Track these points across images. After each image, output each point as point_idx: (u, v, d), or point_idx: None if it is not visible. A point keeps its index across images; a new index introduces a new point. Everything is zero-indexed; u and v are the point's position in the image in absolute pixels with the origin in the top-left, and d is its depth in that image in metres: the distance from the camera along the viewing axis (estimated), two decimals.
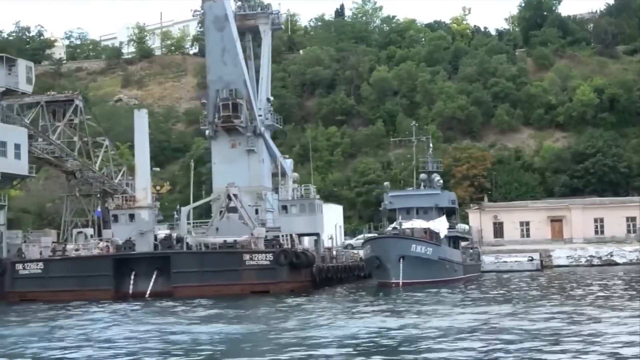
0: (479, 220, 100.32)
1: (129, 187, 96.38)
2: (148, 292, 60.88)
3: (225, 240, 61.52)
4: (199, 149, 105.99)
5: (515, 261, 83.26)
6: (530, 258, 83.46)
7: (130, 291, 61.60)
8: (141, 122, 63.49)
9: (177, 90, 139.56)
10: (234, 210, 64.54)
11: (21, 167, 78.53)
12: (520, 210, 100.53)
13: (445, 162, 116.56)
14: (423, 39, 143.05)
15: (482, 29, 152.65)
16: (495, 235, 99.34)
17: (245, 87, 77.89)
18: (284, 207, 72.93)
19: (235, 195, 64.00)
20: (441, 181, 74.34)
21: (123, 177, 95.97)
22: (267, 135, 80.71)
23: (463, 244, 79.34)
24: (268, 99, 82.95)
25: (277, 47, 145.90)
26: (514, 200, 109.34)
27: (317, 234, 73.33)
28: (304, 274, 63.59)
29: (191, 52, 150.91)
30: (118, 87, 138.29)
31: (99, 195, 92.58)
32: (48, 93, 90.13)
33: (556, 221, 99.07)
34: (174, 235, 64.25)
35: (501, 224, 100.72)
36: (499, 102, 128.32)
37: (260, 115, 79.67)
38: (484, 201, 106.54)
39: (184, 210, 65.43)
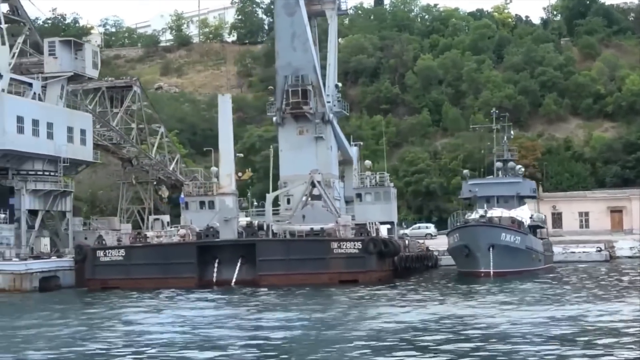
0: (537, 211, 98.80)
1: (183, 174, 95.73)
2: (233, 280, 59.94)
3: (312, 228, 60.32)
4: (252, 136, 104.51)
5: (584, 252, 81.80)
6: (598, 249, 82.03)
7: (214, 279, 60.66)
8: (225, 107, 62.43)
9: (218, 78, 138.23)
10: (317, 197, 63.33)
11: (87, 153, 77.60)
12: (579, 201, 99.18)
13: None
14: (466, 28, 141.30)
15: (524, 18, 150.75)
16: (554, 226, 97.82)
17: (314, 73, 76.52)
18: (358, 195, 71.71)
19: (319, 182, 62.72)
20: (522, 169, 72.89)
21: (177, 165, 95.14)
22: (335, 122, 79.32)
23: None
24: (336, 85, 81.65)
25: (318, 35, 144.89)
26: (565, 190, 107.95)
27: (392, 223, 72.08)
28: (388, 263, 62.43)
29: (229, 40, 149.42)
30: (157, 74, 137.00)
31: (155, 183, 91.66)
32: (106, 79, 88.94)
33: (616, 212, 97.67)
34: (255, 222, 63.12)
35: (560, 214, 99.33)
36: (546, 91, 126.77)
37: (328, 102, 78.31)
38: (539, 191, 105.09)
39: (269, 197, 64.37)
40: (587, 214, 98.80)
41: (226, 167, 61.44)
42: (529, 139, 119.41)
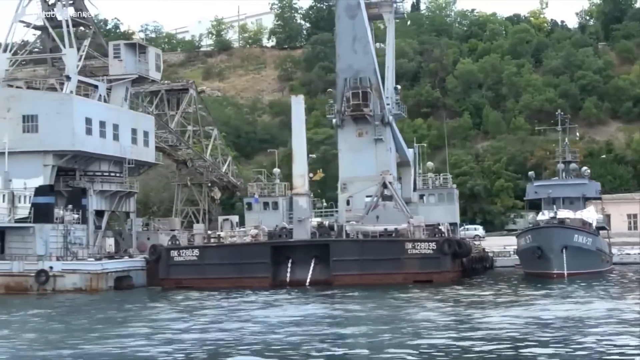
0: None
1: (235, 176, 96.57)
2: (308, 280, 60.46)
3: (385, 229, 60.84)
4: None
5: (638, 253, 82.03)
6: None
7: (288, 279, 61.23)
8: (298, 109, 63.13)
9: (259, 82, 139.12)
10: (389, 198, 63.85)
11: (150, 154, 78.61)
12: (627, 203, 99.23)
13: (537, 154, 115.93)
14: (504, 32, 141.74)
15: (559, 23, 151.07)
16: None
17: (375, 76, 77.09)
18: (421, 196, 72.15)
19: (390, 183, 63.28)
20: (588, 171, 73.22)
21: (228, 167, 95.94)
22: (394, 124, 79.87)
23: None
24: (395, 88, 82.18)
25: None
26: (608, 193, 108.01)
27: (455, 224, 72.53)
28: (458, 263, 62.91)
29: (269, 44, 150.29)
30: (199, 79, 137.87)
31: (209, 185, 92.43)
32: (162, 82, 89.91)
33: None
34: (326, 223, 63.70)
35: (608, 216, 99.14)
36: (586, 95, 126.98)
37: (388, 104, 78.85)
38: None
39: (342, 198, 64.96)
40: (635, 216, 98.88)
41: (299, 168, 62.10)
42: (571, 142, 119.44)
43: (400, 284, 58.05)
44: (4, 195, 62.76)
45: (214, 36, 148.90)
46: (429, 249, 59.38)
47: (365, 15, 76.99)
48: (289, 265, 61.35)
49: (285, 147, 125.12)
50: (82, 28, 77.37)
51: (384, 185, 64.20)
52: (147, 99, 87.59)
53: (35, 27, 76.01)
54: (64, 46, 72.30)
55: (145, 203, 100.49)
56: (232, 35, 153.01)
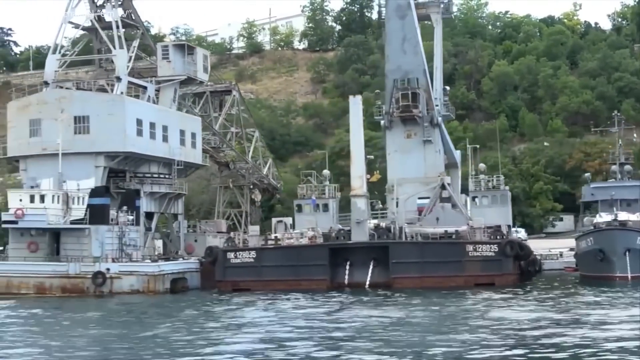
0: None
1: (275, 179, 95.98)
2: (367, 282, 59.77)
3: (446, 231, 60.06)
4: (342, 140, 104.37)
5: None
6: None
7: (346, 281, 60.56)
8: (356, 109, 62.36)
9: (291, 84, 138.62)
10: (447, 199, 63.07)
11: (197, 156, 78.16)
12: None
13: (575, 156, 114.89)
14: (538, 34, 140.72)
15: (593, 25, 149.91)
16: None
17: (424, 76, 76.44)
18: (474, 198, 71.30)
19: (448, 184, 62.51)
20: None
21: (269, 169, 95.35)
22: (443, 126, 79.11)
23: None
24: (444, 89, 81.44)
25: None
26: None
27: (508, 226, 71.57)
28: (517, 266, 62.04)
29: (300, 47, 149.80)
30: (232, 81, 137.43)
31: (251, 187, 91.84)
32: (206, 83, 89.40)
33: None
34: (383, 224, 63.00)
35: None
36: (624, 97, 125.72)
37: (437, 105, 78.12)
38: None
39: (402, 199, 64.10)
40: None
41: (358, 169, 61.43)
42: (610, 143, 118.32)
43: (461, 287, 57.29)
44: (58, 197, 62.27)
45: (245, 39, 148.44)
46: (490, 251, 58.58)
47: (415, 16, 76.39)
48: (347, 267, 60.67)
49: (320, 149, 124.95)
50: (130, 29, 76.95)
51: (443, 187, 63.42)
52: (191, 100, 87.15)
53: (84, 29, 75.67)
54: (114, 47, 71.90)
55: (185, 205, 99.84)
56: (262, 38, 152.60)
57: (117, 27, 71.98)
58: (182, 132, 75.38)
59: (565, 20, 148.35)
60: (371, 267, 60.15)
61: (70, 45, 76.25)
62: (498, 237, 60.25)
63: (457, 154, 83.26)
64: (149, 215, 71.97)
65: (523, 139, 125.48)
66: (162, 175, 73.12)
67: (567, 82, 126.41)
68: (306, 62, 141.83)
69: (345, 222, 72.53)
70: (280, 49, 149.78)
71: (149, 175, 72.01)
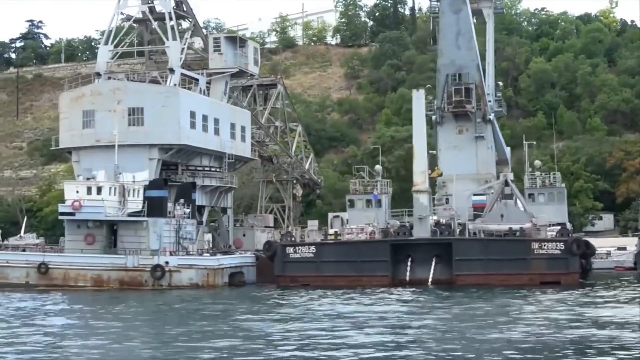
0: None
1: (316, 174, 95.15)
2: (429, 279, 58.87)
3: (510, 228, 59.06)
4: (383, 136, 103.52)
5: None
6: None
7: (407, 278, 59.67)
8: (419, 104, 61.44)
9: (325, 80, 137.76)
10: (509, 196, 62.11)
11: (246, 149, 77.35)
12: None
13: (615, 155, 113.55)
14: (575, 31, 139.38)
15: (629, 22, 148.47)
16: None
17: (478, 72, 75.69)
18: (530, 195, 70.27)
19: (512, 181, 61.52)
20: None
21: (310, 164, 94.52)
22: (495, 122, 78.14)
23: None
24: (497, 84, 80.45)
25: (422, 37, 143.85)
26: None
27: (564, 224, 70.53)
28: (581, 264, 60.95)
29: (333, 42, 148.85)
30: (277, 75, 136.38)
31: (295, 182, 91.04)
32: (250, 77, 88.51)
33: None
34: (442, 220, 62.06)
35: None
36: None
37: (489, 101, 77.17)
38: None
39: (466, 194, 63.13)
40: None
41: (420, 164, 60.46)
42: None
43: (526, 285, 56.30)
44: (115, 189, 61.55)
45: (278, 33, 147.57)
46: (557, 249, 57.55)
47: (469, 11, 75.50)
48: (409, 263, 59.77)
49: (356, 145, 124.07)
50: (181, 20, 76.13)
51: (506, 184, 62.41)
52: (235, 94, 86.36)
53: (135, 21, 74.87)
54: (167, 39, 71.13)
55: None
56: (295, 33, 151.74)
57: (171, 18, 71.19)
58: (232, 126, 74.61)
59: (602, 18, 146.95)
60: (433, 263, 59.22)
61: (121, 36, 75.41)
62: (563, 235, 59.20)
63: (508, 150, 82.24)
64: (200, 209, 71.20)
65: (561, 137, 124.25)
66: (212, 169, 72.39)
67: (605, 80, 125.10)
68: (339, 58, 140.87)
69: (396, 218, 71.78)
70: (313, 44, 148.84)
71: (200, 168, 71.28)
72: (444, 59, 75.77)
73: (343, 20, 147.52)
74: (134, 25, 75.35)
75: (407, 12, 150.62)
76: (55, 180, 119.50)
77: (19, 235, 78.92)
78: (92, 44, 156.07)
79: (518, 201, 63.43)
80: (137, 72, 74.37)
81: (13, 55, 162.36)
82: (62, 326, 37.57)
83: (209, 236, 72.99)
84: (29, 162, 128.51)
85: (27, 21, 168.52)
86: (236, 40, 75.25)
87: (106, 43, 72.64)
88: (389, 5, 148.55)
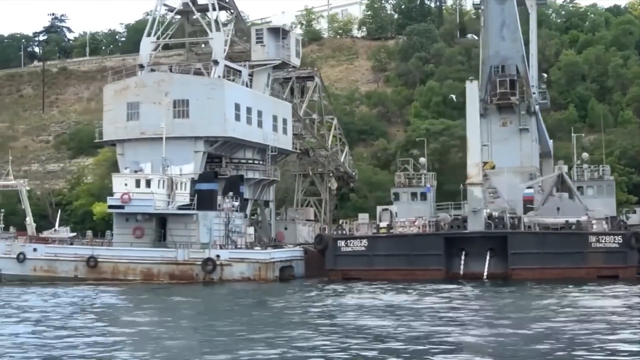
0: None
1: (350, 167, 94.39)
2: (485, 273, 58.10)
3: (567, 221, 58.20)
4: (418, 129, 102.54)
5: None
6: None
7: (462, 272, 58.93)
8: (472, 94, 60.56)
9: (353, 73, 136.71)
10: (566, 189, 61.26)
11: (288, 142, 76.68)
12: None
13: None
14: (604, 23, 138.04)
15: None
16: None
17: (523, 64, 74.73)
18: (579, 188, 69.35)
19: (567, 174, 60.65)
20: None
21: (345, 157, 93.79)
22: (540, 114, 77.21)
23: None
24: (541, 76, 79.49)
25: (449, 30, 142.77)
26: None
27: (614, 217, 69.60)
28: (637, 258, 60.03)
29: (358, 35, 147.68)
30: (314, 67, 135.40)
31: (331, 175, 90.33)
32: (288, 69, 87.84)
33: None
34: (495, 214, 61.25)
35: None
36: None
37: (534, 93, 76.23)
38: None
39: (521, 187, 62.31)
40: None
41: (474, 157, 59.63)
42: None
43: (582, 279, 55.48)
44: (163, 182, 60.91)
45: (304, 26, 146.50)
46: (614, 242, 56.69)
47: (515, 1, 74.46)
48: (463, 257, 59.00)
49: (385, 138, 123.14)
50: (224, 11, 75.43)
51: (560, 177, 61.55)
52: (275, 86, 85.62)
53: (178, 12, 74.09)
54: (210, 30, 70.41)
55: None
56: (320, 26, 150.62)
57: (214, 9, 70.47)
58: (274, 118, 73.93)
59: (631, 10, 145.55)
60: (488, 257, 58.43)
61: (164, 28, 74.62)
62: (621, 228, 58.36)
63: (551, 143, 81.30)
64: (244, 202, 70.52)
65: (592, 130, 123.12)
66: (256, 162, 71.71)
67: (638, 72, 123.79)
68: (366, 51, 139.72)
69: (441, 211, 71.07)
70: (339, 37, 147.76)
71: (244, 161, 70.61)
72: (488, 50, 74.85)
73: (369, 12, 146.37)
74: (176, 17, 74.53)
75: (434, 4, 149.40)
76: (84, 174, 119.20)
77: (53, 229, 78.54)
78: (117, 37, 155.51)
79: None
80: (181, 63, 73.42)
81: (37, 49, 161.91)
82: (154, 322, 36.84)
83: (251, 229, 72.26)
84: (55, 155, 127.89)
85: (50, 15, 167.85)
86: (279, 32, 74.46)
87: (149, 35, 71.87)
88: None
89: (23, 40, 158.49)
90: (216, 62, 68.85)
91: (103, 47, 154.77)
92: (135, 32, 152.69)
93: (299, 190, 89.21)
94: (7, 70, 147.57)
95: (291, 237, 74.27)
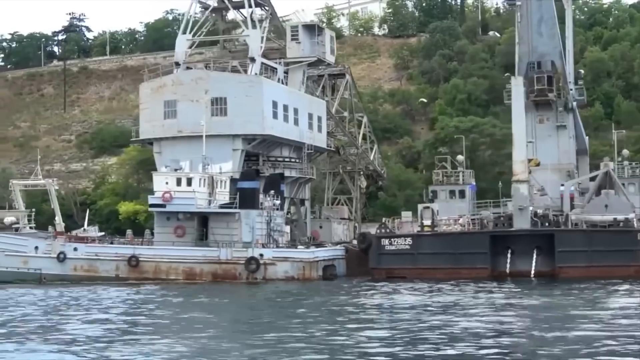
0: None
1: (379, 165, 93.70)
2: (532, 272, 57.36)
3: (615, 218, 57.43)
4: (447, 128, 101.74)
5: None
6: None
7: (508, 270, 58.22)
8: (517, 90, 59.86)
9: (375, 70, 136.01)
10: (611, 186, 60.52)
11: (323, 140, 76.08)
12: None
13: None
14: (628, 19, 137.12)
15: None
16: None
17: (560, 59, 73.94)
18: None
19: (613, 171, 59.93)
20: None
21: (375, 156, 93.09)
22: (577, 111, 76.42)
23: None
24: (578, 72, 78.69)
25: (472, 27, 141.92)
26: None
27: None
28: None
29: (379, 33, 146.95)
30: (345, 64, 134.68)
31: (361, 173, 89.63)
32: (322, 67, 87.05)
33: None
34: (539, 211, 60.51)
35: None
36: None
37: (571, 90, 75.43)
38: None
39: (567, 185, 61.62)
40: None
41: (520, 154, 58.95)
42: None
43: (631, 277, 54.73)
44: (204, 180, 60.33)
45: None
46: None
47: None
48: (509, 255, 58.30)
49: (409, 136, 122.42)
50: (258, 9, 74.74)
51: (607, 174, 60.84)
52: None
53: (213, 10, 73.49)
54: (246, 27, 69.83)
55: None
56: (340, 24, 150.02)
57: (250, 6, 69.88)
58: (310, 116, 73.32)
59: None
60: (534, 255, 57.73)
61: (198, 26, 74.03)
62: None
63: (587, 139, 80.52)
64: None
65: (619, 127, 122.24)
66: (292, 160, 71.10)
67: None
68: (387, 49, 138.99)
69: (480, 209, 70.28)
70: (360, 35, 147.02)
71: (280, 159, 70.00)
72: (525, 46, 74.00)
73: (390, 10, 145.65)
74: (210, 14, 73.89)
75: (456, 1, 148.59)
76: (108, 173, 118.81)
77: (82, 229, 78.01)
78: (137, 36, 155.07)
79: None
80: (216, 60, 72.79)
81: (55, 49, 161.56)
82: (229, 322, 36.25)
83: (288, 228, 71.66)
84: (78, 155, 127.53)
85: (69, 14, 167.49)
86: (314, 29, 73.89)
87: (184, 32, 71.28)
88: None
89: (42, 39, 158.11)
90: (253, 60, 68.24)
91: (122, 46, 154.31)
92: (155, 30, 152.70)
93: (329, 189, 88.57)
94: (28, 70, 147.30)
95: (326, 236, 73.68)
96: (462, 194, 69.70)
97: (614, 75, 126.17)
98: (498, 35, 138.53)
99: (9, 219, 74.28)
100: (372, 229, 73.86)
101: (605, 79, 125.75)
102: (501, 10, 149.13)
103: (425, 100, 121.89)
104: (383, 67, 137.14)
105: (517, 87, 60.03)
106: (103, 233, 78.53)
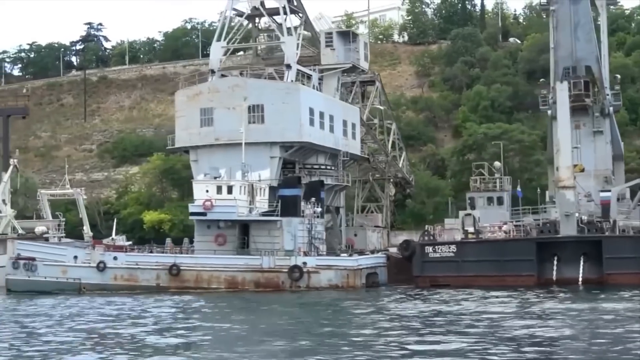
0: None
1: (408, 173, 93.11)
2: (579, 279, 56.61)
3: None
4: (475, 134, 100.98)
5: None
6: None
7: (554, 277, 57.47)
8: (563, 95, 59.30)
9: (396, 78, 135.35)
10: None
11: (357, 147, 75.53)
12: None
13: None
14: None
15: None
16: None
17: (597, 64, 73.35)
18: None
19: None
20: None
21: (403, 163, 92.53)
22: (613, 116, 75.78)
23: None
24: (615, 77, 78.06)
25: (493, 34, 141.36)
26: None
27: None
28: None
29: (399, 40, 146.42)
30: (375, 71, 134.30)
31: (391, 180, 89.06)
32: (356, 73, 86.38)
33: None
34: (584, 217, 59.78)
35: None
36: None
37: (607, 95, 74.81)
38: None
39: (614, 191, 60.91)
40: None
41: (565, 159, 58.27)
42: None
43: None
44: (245, 188, 59.73)
45: None
46: None
47: (589, 1, 73.17)
48: (555, 262, 57.57)
49: (432, 143, 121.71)
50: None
51: None
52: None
53: (247, 17, 73.06)
54: (281, 34, 69.38)
55: None
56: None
57: (285, 12, 69.45)
58: (344, 123, 72.81)
59: None
60: (581, 262, 56.99)
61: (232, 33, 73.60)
62: None
63: (622, 145, 79.86)
64: None
65: None
66: (327, 167, 70.54)
67: None
68: (408, 56, 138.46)
69: (516, 216, 69.54)
70: (380, 42, 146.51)
71: (317, 166, 69.45)
72: (562, 51, 73.41)
73: (410, 17, 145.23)
74: (244, 21, 73.48)
75: (476, 8, 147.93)
76: (131, 182, 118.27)
77: (110, 238, 77.49)
78: (155, 45, 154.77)
79: None
80: (253, 67, 72.33)
81: (74, 59, 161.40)
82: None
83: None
84: (99, 164, 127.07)
85: (86, 24, 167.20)
86: (348, 35, 73.45)
87: (219, 39, 70.87)
88: (457, 1, 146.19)
89: (61, 49, 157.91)
90: (289, 67, 67.81)
91: (141, 56, 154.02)
92: (174, 39, 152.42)
93: (359, 196, 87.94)
94: (47, 80, 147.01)
95: (361, 244, 73.12)
96: (500, 200, 69.07)
97: (638, 81, 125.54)
98: (519, 41, 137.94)
99: (39, 228, 74.13)
100: (401, 237, 73.54)
101: (629, 85, 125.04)
102: (521, 18, 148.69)
103: None
104: (404, 75, 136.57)
105: (562, 92, 59.48)
106: (130, 242, 78.00)
